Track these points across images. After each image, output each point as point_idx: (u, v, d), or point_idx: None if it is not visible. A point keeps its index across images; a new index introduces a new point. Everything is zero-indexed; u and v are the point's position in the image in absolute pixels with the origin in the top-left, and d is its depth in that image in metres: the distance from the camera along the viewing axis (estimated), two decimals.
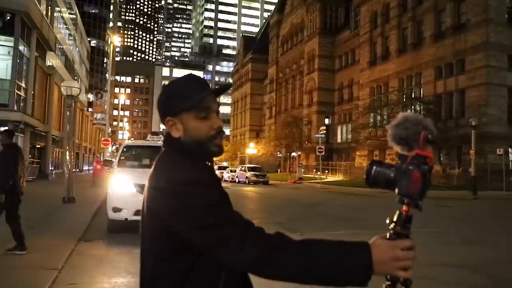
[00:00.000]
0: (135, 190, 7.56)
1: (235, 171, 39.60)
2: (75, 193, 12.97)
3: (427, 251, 7.22)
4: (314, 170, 40.05)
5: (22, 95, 24.51)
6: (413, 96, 33.85)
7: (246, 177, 34.90)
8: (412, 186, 0.96)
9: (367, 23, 40.96)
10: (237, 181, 36.75)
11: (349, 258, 0.96)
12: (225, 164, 56.98)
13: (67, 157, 14.11)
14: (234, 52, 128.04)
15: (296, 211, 13.58)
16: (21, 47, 24.10)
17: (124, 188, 7.77)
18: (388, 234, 1.00)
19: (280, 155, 50.11)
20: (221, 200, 1.08)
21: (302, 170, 40.90)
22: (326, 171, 40.49)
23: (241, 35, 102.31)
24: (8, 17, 23.50)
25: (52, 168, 31.48)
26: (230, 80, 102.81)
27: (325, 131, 36.52)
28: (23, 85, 24.65)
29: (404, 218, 0.99)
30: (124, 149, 9.68)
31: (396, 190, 0.99)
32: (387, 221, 1.01)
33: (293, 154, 50.49)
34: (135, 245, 5.71)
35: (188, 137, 1.16)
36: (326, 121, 38.05)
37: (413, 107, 31.25)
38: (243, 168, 38.06)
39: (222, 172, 43.91)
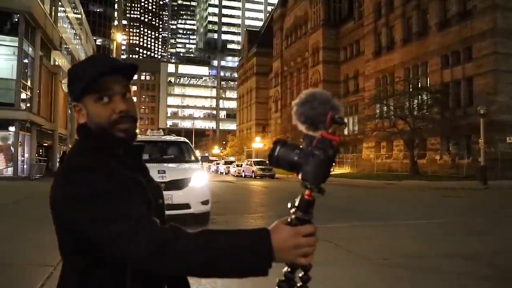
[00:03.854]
0: None
1: (241, 166, 39.58)
2: None
3: (432, 241, 7.12)
4: None
5: (28, 94, 24.67)
6: (419, 85, 33.44)
7: (252, 171, 34.87)
8: (317, 171, 0.91)
9: (371, 13, 40.47)
10: (243, 175, 36.78)
11: (249, 247, 0.91)
12: (232, 158, 57.01)
13: None
14: (238, 47, 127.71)
15: None
16: (25, 47, 24.23)
17: None
18: (289, 219, 0.95)
19: None
20: (115, 190, 0.96)
21: None
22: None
23: (245, 29, 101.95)
24: (12, 18, 23.55)
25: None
26: (236, 75, 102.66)
27: None
28: (28, 84, 24.83)
29: (306, 203, 0.94)
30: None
31: (300, 175, 0.94)
32: (289, 205, 0.96)
33: None
34: None
35: (91, 123, 1.07)
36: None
37: (419, 96, 30.88)
38: (249, 163, 38.05)
39: (229, 167, 43.95)
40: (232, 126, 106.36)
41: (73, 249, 1.03)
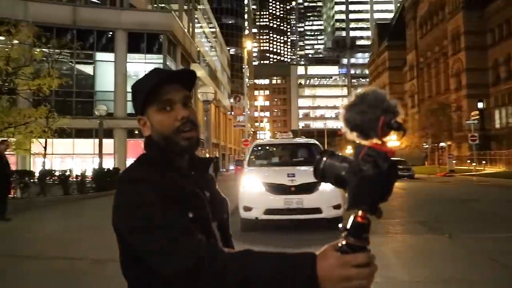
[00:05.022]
0: (264, 189, 7.54)
1: None
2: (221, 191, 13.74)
3: None
4: (468, 161, 35.79)
5: None
6: None
7: None
8: (365, 189, 0.75)
9: None
10: None
11: (289, 273, 0.83)
12: None
13: None
14: (368, 42, 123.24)
15: (444, 208, 12.09)
16: (168, 62, 26.97)
17: (254, 187, 7.79)
18: (340, 244, 0.82)
19: (427, 146, 46.32)
20: (159, 202, 0.96)
21: (453, 161, 36.94)
22: (484, 162, 35.84)
23: (374, 23, 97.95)
24: (158, 38, 26.42)
25: None
26: (367, 72, 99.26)
27: (478, 117, 32.37)
28: None
29: (358, 227, 0.80)
30: (254, 149, 9.81)
31: (346, 193, 0.78)
32: (340, 227, 0.82)
33: (442, 144, 46.12)
34: (266, 244, 5.50)
35: (155, 134, 1.10)
36: (480, 105, 33.88)
37: None
38: None
39: None
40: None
41: (125, 257, 1.05)
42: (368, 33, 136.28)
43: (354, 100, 0.78)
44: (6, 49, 12.58)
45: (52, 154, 20.58)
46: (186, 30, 32.25)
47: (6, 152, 9.36)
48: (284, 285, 0.83)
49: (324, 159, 0.83)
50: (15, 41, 12.86)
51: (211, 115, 35.08)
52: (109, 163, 20.50)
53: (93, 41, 25.12)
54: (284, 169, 7.70)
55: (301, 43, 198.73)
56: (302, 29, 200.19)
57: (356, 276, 0.79)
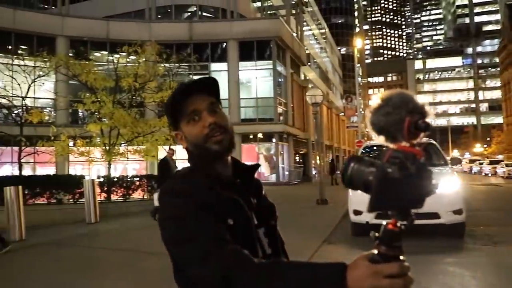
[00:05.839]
0: None
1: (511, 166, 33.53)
2: (333, 194, 13.60)
3: None
4: None
5: (283, 109, 27.93)
6: None
7: None
8: (393, 193, 0.73)
9: None
10: None
11: (318, 284, 0.82)
12: (499, 157, 49.20)
13: (318, 161, 14.95)
14: (497, 27, 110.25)
15: None
16: (278, 67, 27.57)
17: None
18: (372, 254, 0.79)
19: None
20: (192, 213, 0.99)
21: None
22: None
23: (504, 4, 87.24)
24: (268, 45, 27.15)
25: (315, 172, 34.40)
26: (497, 60, 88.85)
27: None
28: (283, 100, 28.13)
29: (390, 235, 0.76)
30: (363, 150, 9.47)
31: None
32: (371, 235, 0.79)
33: None
34: None
35: (189, 144, 1.16)
36: None
37: None
38: None
39: (495, 167, 37.95)
40: (497, 119, 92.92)
41: (173, 265, 1.08)
42: (496, 17, 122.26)
43: (379, 102, 0.75)
44: (134, 67, 14.09)
45: (176, 159, 22.41)
46: (294, 34, 32.56)
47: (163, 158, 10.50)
48: None
49: (352, 165, 0.78)
50: (142, 60, 14.32)
51: (322, 117, 34.84)
52: None
53: (207, 53, 26.84)
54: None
55: (417, 36, 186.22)
56: (418, 21, 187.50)
57: (388, 287, 0.75)
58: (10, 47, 22.71)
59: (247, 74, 27.48)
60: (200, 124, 1.13)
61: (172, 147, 12.12)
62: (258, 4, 37.15)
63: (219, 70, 27.09)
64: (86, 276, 5.39)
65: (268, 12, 37.07)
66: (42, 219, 9.82)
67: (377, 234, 0.78)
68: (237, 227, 1.02)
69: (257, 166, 1.22)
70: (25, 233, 8.11)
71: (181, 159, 9.97)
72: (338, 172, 43.69)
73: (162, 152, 16.61)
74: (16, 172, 13.55)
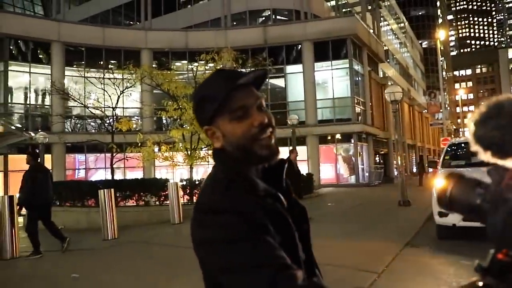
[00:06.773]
0: None
1: None
2: (416, 196, 12.97)
3: None
4: None
5: (361, 108, 27.15)
6: None
7: None
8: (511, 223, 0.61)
9: None
10: None
11: None
12: None
13: (399, 161, 14.30)
14: None
15: None
16: (355, 66, 26.86)
17: None
18: (475, 285, 0.68)
19: None
20: (249, 234, 0.86)
21: None
22: None
23: None
24: (343, 43, 26.62)
25: (397, 173, 32.89)
26: None
27: None
28: (361, 99, 27.35)
29: (500, 265, 0.65)
30: (449, 149, 8.89)
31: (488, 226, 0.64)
32: (474, 267, 0.69)
33: None
34: (464, 255, 4.93)
35: (229, 145, 0.99)
36: None
37: None
38: None
39: None
40: None
41: (208, 284, 0.98)
42: None
43: (487, 112, 0.63)
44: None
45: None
46: (371, 31, 31.54)
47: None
48: None
49: (451, 185, 0.66)
50: (219, 66, 14.79)
51: (403, 115, 33.30)
52: (303, 169, 21.55)
53: (282, 56, 26.97)
54: (484, 170, 6.73)
55: (510, 21, 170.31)
56: (511, 5, 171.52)
57: None
58: (101, 62, 24.77)
59: (323, 75, 27.13)
60: (247, 122, 0.96)
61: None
62: (333, 2, 36.57)
63: (294, 72, 27.09)
64: (177, 272, 5.70)
65: (343, 10, 36.32)
66: (131, 220, 10.61)
67: (482, 264, 0.67)
68: (285, 243, 0.91)
69: (284, 162, 1.05)
70: (117, 232, 8.82)
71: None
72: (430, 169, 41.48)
73: None
74: (109, 177, 14.75)
